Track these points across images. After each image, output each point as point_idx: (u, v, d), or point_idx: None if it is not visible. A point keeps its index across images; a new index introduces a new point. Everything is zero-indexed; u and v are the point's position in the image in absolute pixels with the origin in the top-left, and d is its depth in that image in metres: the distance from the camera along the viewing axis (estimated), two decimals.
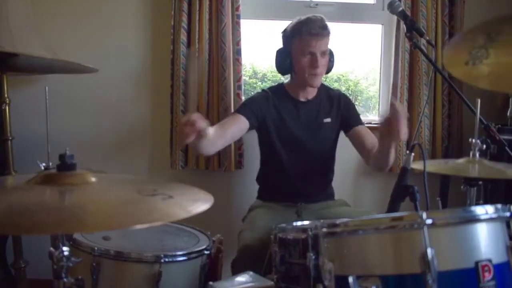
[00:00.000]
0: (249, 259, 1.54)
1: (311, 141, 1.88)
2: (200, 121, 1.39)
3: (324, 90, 1.96)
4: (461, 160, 1.50)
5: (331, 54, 1.85)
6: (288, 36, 1.82)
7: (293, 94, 1.91)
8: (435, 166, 1.50)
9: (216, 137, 1.66)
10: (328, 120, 1.90)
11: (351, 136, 1.90)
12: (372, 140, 1.84)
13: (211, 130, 1.57)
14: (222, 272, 1.49)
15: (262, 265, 1.42)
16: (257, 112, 1.84)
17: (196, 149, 1.63)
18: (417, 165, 1.42)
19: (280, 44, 1.89)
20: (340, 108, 1.93)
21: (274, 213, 1.82)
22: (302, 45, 1.77)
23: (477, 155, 1.46)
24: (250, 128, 1.84)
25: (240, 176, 2.24)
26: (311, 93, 1.92)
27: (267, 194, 1.96)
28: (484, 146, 1.46)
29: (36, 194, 0.88)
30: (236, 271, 1.62)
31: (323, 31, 1.75)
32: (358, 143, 1.87)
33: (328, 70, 1.88)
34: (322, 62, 1.78)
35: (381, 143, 1.61)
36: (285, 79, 2.07)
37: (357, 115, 1.95)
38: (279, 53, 1.87)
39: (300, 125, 1.89)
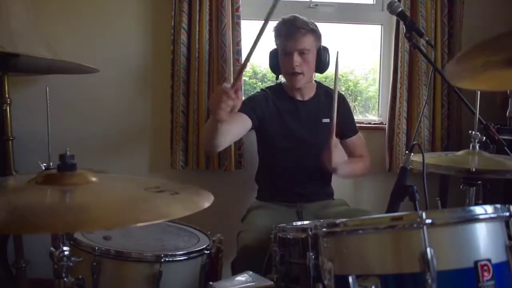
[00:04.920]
0: (249, 260, 1.54)
1: (310, 140, 1.89)
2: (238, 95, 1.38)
3: (323, 90, 1.98)
4: (460, 152, 1.50)
5: (322, 52, 1.85)
6: (274, 38, 1.89)
7: (290, 93, 1.93)
8: (434, 158, 1.50)
9: (225, 132, 1.65)
10: (327, 120, 1.90)
11: (344, 144, 1.97)
12: (361, 150, 2.00)
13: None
14: (222, 272, 1.49)
15: (261, 266, 1.42)
16: (258, 110, 1.85)
17: (215, 133, 1.57)
18: (416, 158, 1.41)
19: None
20: (339, 112, 1.92)
21: (273, 213, 1.82)
22: (281, 46, 1.85)
23: (477, 147, 1.46)
24: (253, 127, 1.85)
25: (240, 176, 2.25)
26: (308, 92, 1.93)
27: (266, 193, 1.96)
28: (484, 138, 1.46)
29: (38, 194, 0.89)
30: (236, 272, 1.62)
31: (297, 30, 1.78)
32: (348, 152, 1.98)
33: (321, 68, 1.87)
34: (299, 60, 1.80)
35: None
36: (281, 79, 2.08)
37: (353, 124, 2.01)
38: (270, 54, 1.93)
39: (300, 124, 1.89)
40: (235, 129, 1.78)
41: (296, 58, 1.79)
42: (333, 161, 1.72)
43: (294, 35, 1.78)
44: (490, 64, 1.15)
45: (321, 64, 1.86)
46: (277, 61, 1.89)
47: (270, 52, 1.92)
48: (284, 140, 1.88)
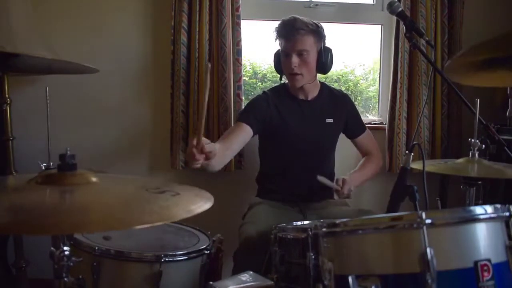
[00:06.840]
0: (251, 251, 1.55)
1: (313, 140, 1.89)
2: (208, 146, 1.39)
3: (327, 90, 1.98)
4: (460, 160, 1.51)
5: (323, 53, 1.84)
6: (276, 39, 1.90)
7: (294, 93, 1.93)
8: (434, 166, 1.51)
9: (223, 152, 1.66)
10: (330, 120, 1.91)
11: (354, 143, 2.05)
12: (371, 146, 2.05)
13: (217, 147, 1.56)
14: (222, 272, 1.49)
15: (263, 258, 1.42)
16: (259, 117, 1.85)
17: (206, 170, 1.64)
18: (416, 165, 1.43)
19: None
20: (344, 112, 1.95)
21: (275, 210, 1.83)
22: (281, 47, 1.86)
23: (476, 155, 1.47)
24: (254, 134, 1.85)
25: (240, 176, 2.25)
26: (312, 93, 1.93)
27: (267, 193, 1.96)
28: (483, 146, 1.47)
29: (38, 194, 0.89)
30: (238, 263, 1.63)
31: (295, 32, 1.78)
32: (360, 149, 2.07)
33: (322, 68, 1.87)
34: (298, 61, 1.80)
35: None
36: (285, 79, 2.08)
37: (360, 122, 2.03)
38: (274, 55, 1.94)
39: (303, 123, 1.90)
40: (236, 141, 1.79)
41: (294, 59, 1.80)
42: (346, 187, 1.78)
43: (292, 36, 1.78)
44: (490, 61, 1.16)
45: (322, 65, 1.85)
46: (280, 62, 1.90)
47: (275, 53, 1.94)
48: (286, 140, 1.88)
